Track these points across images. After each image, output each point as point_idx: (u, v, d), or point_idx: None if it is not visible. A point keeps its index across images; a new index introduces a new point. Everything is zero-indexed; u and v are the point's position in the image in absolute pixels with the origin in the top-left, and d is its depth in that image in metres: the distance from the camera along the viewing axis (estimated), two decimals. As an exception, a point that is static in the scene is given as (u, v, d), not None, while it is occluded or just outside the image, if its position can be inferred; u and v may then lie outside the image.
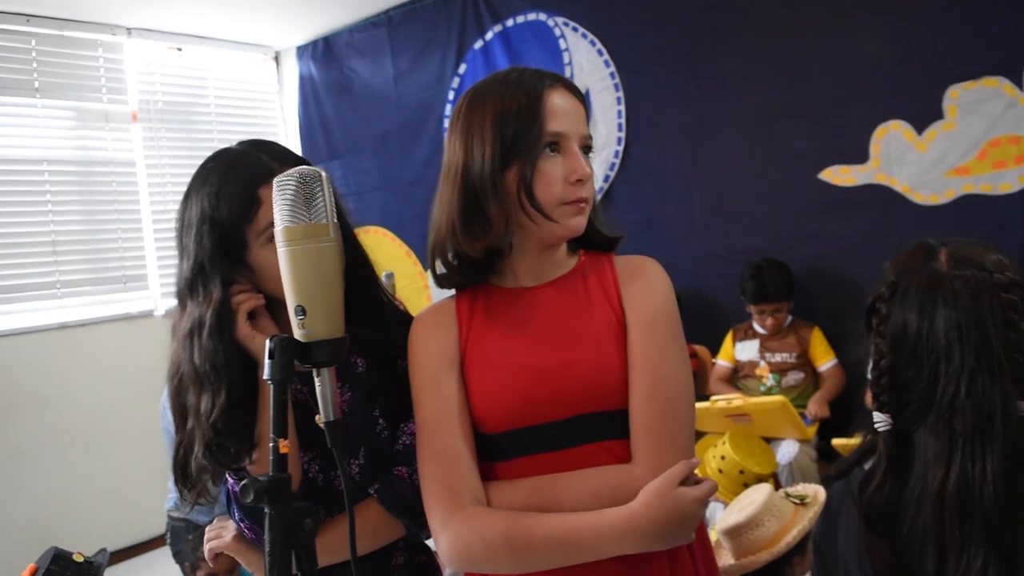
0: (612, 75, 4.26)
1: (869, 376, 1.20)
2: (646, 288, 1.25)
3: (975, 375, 1.06)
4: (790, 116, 3.86)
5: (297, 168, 1.08)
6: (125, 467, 4.42)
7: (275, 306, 1.34)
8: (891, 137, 3.64)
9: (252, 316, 1.31)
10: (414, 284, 4.98)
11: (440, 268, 1.29)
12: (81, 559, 2.54)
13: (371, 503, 1.33)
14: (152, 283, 4.82)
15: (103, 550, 2.74)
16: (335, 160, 5.38)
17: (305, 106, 5.52)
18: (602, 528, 1.12)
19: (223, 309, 1.27)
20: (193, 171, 1.36)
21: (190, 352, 1.30)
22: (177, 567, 3.52)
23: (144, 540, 4.35)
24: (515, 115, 1.18)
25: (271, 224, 1.25)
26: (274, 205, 1.08)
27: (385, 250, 5.03)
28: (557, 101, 1.20)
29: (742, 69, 3.96)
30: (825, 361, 3.64)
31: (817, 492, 2.23)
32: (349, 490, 1.08)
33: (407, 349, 1.30)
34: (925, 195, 3.56)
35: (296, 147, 5.48)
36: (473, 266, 1.26)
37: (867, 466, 1.18)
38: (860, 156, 3.69)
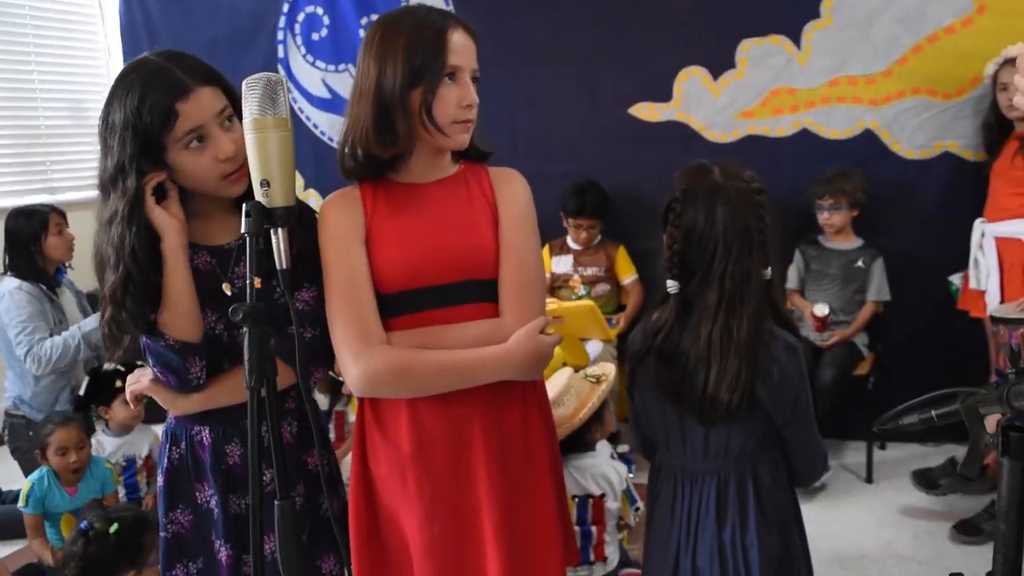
0: (447, 2, 4.49)
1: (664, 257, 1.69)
2: (514, 191, 1.64)
3: (741, 251, 1.60)
4: (605, 56, 4.28)
5: (264, 73, 1.35)
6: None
7: (186, 197, 1.60)
8: (691, 81, 4.15)
9: (163, 199, 1.56)
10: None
11: (348, 162, 1.60)
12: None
13: None
14: (-37, 182, 4.63)
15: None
16: (159, 65, 5.24)
17: (127, 4, 5.32)
18: (485, 359, 1.52)
19: (135, 200, 1.52)
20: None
21: (107, 238, 1.55)
22: (15, 463, 3.59)
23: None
24: (422, 47, 1.49)
25: (187, 132, 1.53)
26: (244, 100, 1.35)
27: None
28: (457, 38, 1.52)
29: (566, 10, 4.32)
30: (628, 276, 4.19)
31: (610, 371, 2.70)
32: (297, 317, 1.40)
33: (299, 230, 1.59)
34: (716, 133, 4.12)
35: (117, 49, 5.31)
36: (379, 164, 1.58)
37: (655, 318, 1.71)
38: (664, 96, 4.19)
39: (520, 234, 1.60)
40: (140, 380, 1.66)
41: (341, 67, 4.80)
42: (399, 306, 1.57)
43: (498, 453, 1.57)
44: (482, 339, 1.53)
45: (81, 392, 3.32)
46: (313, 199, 4.68)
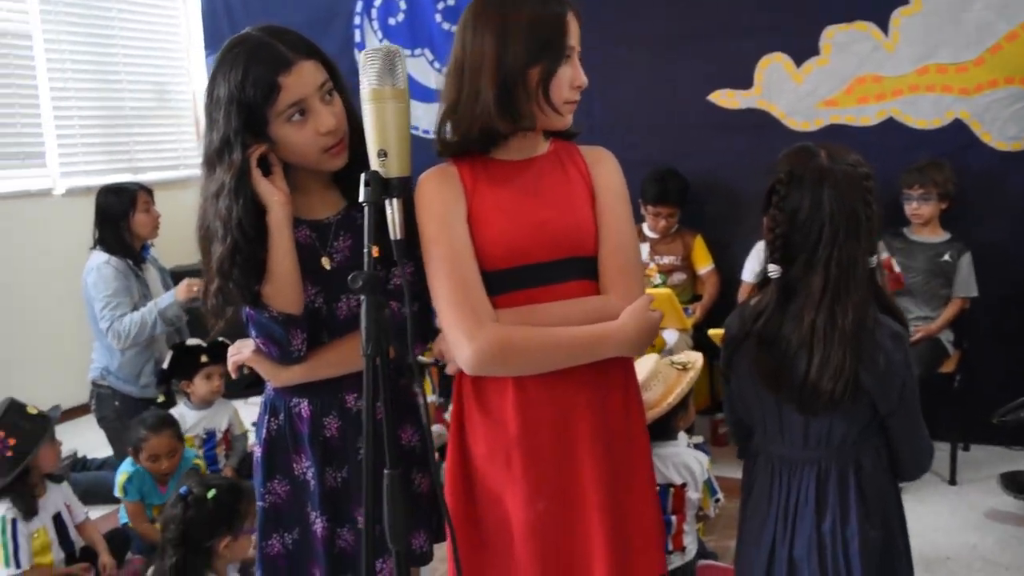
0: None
1: (765, 239, 1.66)
2: (608, 170, 1.63)
3: (847, 236, 1.55)
4: (685, 42, 4.22)
5: (384, 44, 1.35)
6: (28, 342, 4.47)
7: (286, 171, 1.60)
8: (773, 68, 4.07)
9: (267, 174, 1.57)
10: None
11: (450, 137, 1.57)
12: (35, 411, 2.72)
13: None
14: (51, 161, 4.76)
15: (57, 406, 2.91)
16: (238, 49, 5.32)
17: (209, -11, 5.42)
18: (600, 335, 1.51)
19: (241, 172, 1.54)
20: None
21: (214, 210, 1.56)
22: (101, 432, 3.70)
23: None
24: (546, 26, 1.48)
25: (290, 106, 1.54)
26: (362, 71, 1.35)
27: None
28: (572, 21, 1.52)
29: (645, -6, 4.27)
30: (704, 265, 4.13)
31: (697, 359, 2.66)
32: (409, 292, 1.39)
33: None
34: (798, 121, 4.03)
35: (197, 34, 5.42)
36: (491, 139, 1.55)
37: (753, 303, 1.67)
38: (745, 82, 4.11)
39: (618, 213, 1.60)
40: (242, 351, 1.68)
41: (417, 52, 4.82)
42: (500, 284, 1.55)
43: (602, 432, 1.56)
44: (593, 316, 1.52)
45: (164, 366, 3.40)
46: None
